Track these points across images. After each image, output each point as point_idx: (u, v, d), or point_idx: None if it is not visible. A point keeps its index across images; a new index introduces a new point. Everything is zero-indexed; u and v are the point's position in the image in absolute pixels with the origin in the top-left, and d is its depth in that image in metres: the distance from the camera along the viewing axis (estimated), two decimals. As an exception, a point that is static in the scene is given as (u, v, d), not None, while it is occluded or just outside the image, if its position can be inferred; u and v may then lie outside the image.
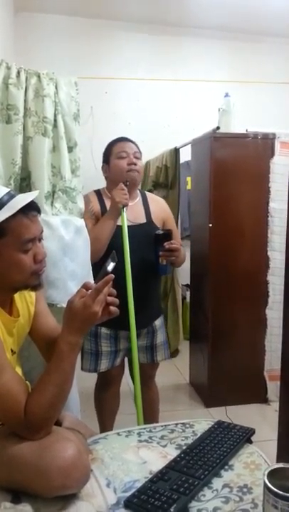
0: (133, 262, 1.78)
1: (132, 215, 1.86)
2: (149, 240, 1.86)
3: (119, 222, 1.81)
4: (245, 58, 4.31)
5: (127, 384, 2.20)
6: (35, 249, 1.09)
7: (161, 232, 1.88)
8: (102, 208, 1.90)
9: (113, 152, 1.91)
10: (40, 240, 1.12)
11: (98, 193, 1.97)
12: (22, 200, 1.06)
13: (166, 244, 1.80)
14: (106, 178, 1.98)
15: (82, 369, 1.96)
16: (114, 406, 2.10)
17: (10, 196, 1.06)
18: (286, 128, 2.69)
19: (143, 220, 1.92)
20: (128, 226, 1.81)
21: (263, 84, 4.29)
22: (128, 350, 1.98)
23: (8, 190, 1.08)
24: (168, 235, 1.84)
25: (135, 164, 1.87)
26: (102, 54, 4.06)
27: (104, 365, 1.93)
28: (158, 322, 2.01)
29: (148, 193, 2.07)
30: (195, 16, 3.93)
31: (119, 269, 1.73)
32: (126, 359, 2.05)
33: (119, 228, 1.80)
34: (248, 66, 4.31)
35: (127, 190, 1.80)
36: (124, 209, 1.79)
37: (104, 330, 1.91)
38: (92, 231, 1.80)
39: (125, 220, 1.79)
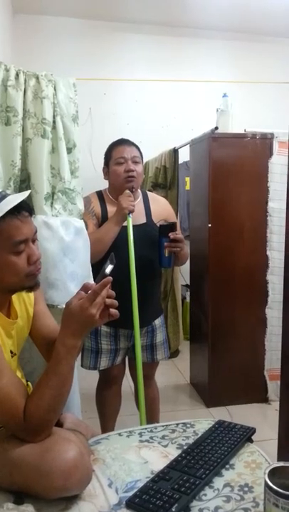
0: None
1: (132, 215, 1.87)
2: (149, 239, 1.87)
3: (124, 223, 1.82)
4: (243, 58, 4.32)
5: (128, 385, 2.20)
6: (29, 250, 1.08)
7: (165, 223, 1.89)
8: (102, 210, 1.91)
9: (112, 157, 1.91)
10: (34, 240, 1.10)
11: (100, 194, 1.97)
12: (12, 200, 1.03)
13: (171, 235, 1.80)
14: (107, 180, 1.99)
15: (82, 366, 1.97)
16: (116, 405, 2.11)
17: (1, 197, 1.04)
18: (284, 128, 2.69)
19: (143, 220, 1.92)
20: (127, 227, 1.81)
21: (261, 84, 4.29)
22: (128, 349, 1.99)
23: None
24: (173, 226, 1.85)
25: (133, 171, 1.86)
26: (100, 55, 4.06)
27: (104, 362, 1.95)
28: (158, 321, 2.03)
29: (150, 193, 2.08)
30: (193, 16, 3.94)
31: (120, 269, 1.75)
32: (126, 358, 2.05)
33: (123, 229, 1.81)
34: (246, 66, 4.32)
35: (133, 197, 1.83)
36: (130, 214, 1.80)
37: (104, 328, 1.92)
38: (96, 233, 1.82)
39: (131, 225, 1.80)
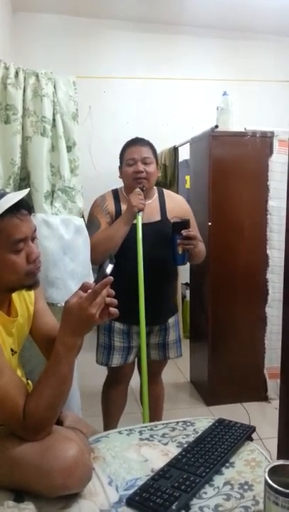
0: (146, 260, 1.78)
1: (146, 213, 1.85)
2: (163, 237, 1.85)
3: (134, 221, 1.81)
4: (243, 56, 4.32)
5: (129, 384, 2.20)
6: (28, 248, 1.07)
7: (178, 220, 1.87)
8: (116, 208, 1.91)
9: (124, 158, 1.91)
10: (33, 239, 1.10)
11: (115, 192, 1.98)
12: (11, 199, 1.03)
13: (184, 232, 1.79)
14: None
15: (96, 361, 1.98)
16: (121, 404, 2.11)
17: (0, 195, 1.04)
18: (284, 126, 2.69)
19: (158, 217, 1.92)
20: (142, 224, 1.80)
21: (262, 83, 4.29)
22: (140, 348, 1.98)
23: None
24: (186, 223, 1.84)
25: (141, 172, 1.86)
26: (100, 53, 4.06)
27: (116, 360, 1.95)
28: (171, 320, 2.02)
29: (166, 191, 2.06)
30: (193, 14, 3.93)
31: (133, 267, 1.75)
32: (136, 358, 2.05)
33: (133, 226, 1.80)
34: (246, 64, 4.31)
35: (143, 195, 1.82)
36: (140, 213, 1.80)
37: (117, 325, 1.92)
38: (106, 231, 1.82)
39: (140, 223, 1.79)
